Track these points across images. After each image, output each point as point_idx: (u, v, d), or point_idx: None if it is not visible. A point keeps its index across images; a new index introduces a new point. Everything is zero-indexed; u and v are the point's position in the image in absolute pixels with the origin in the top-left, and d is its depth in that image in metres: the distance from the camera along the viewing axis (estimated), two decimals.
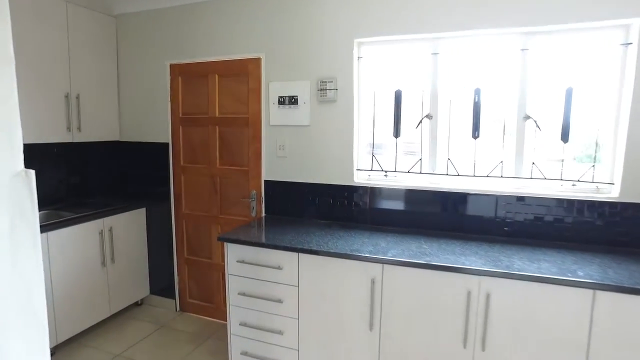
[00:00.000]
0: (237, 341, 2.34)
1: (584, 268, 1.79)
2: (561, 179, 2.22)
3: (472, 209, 2.34)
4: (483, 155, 2.36)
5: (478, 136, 2.34)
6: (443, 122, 2.42)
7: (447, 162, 2.42)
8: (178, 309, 3.26)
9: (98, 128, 3.08)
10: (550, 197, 2.19)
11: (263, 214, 2.84)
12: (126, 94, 3.24)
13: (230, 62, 2.81)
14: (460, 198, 2.35)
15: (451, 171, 2.41)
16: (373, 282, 1.99)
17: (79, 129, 2.89)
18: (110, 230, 2.90)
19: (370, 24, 2.42)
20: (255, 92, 2.76)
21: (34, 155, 2.84)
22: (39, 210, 2.78)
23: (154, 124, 3.15)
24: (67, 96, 2.80)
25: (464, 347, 1.86)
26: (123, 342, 2.79)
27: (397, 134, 2.51)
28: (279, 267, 2.17)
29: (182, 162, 3.09)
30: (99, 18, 3.04)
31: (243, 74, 2.78)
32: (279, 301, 2.19)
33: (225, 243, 2.29)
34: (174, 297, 3.26)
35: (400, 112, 2.49)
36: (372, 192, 2.54)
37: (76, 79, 2.87)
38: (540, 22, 2.10)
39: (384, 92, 2.53)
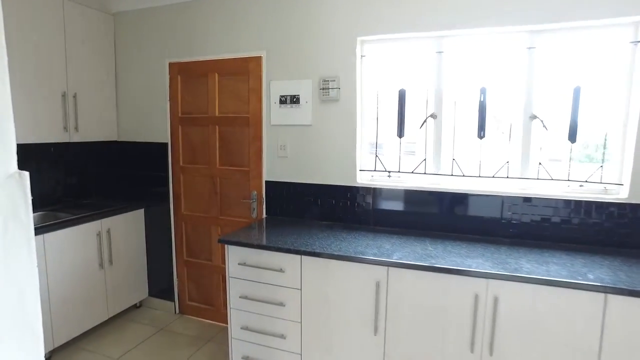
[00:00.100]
0: (238, 345, 2.29)
1: (594, 271, 1.75)
2: (568, 180, 2.18)
3: (477, 210, 2.29)
4: (488, 156, 2.32)
5: (484, 136, 2.30)
6: (448, 121, 2.38)
7: (452, 162, 2.38)
8: (177, 311, 3.21)
9: (96, 128, 3.03)
10: (557, 198, 2.15)
11: (264, 215, 2.79)
12: (124, 93, 3.19)
13: (231, 60, 2.76)
14: (465, 199, 2.31)
15: (456, 172, 2.37)
16: (378, 285, 1.94)
17: (76, 128, 2.84)
18: (108, 231, 2.85)
19: (373, 21, 2.37)
20: (256, 91, 2.71)
21: (30, 155, 2.79)
22: (35, 212, 2.76)
23: (153, 124, 3.09)
24: (64, 95, 2.75)
25: (471, 351, 1.82)
26: (121, 345, 2.74)
27: (400, 133, 2.47)
28: (281, 269, 2.12)
29: (181, 163, 3.04)
30: (97, 15, 2.98)
31: (244, 73, 2.74)
32: (281, 304, 2.15)
33: (226, 245, 2.24)
34: (173, 300, 3.21)
35: (404, 111, 2.44)
36: (375, 193, 2.50)
37: (73, 78, 2.81)
38: (547, 19, 2.06)
39: (387, 92, 2.49)
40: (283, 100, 2.62)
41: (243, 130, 2.79)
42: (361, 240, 2.21)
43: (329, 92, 2.49)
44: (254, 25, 2.68)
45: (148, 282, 3.26)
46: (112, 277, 2.92)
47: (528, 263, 1.85)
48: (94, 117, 3.01)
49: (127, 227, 3.03)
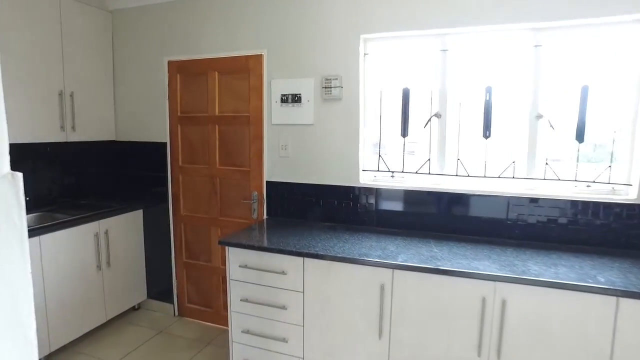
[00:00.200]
0: (239, 349, 2.24)
1: (604, 273, 1.71)
2: (575, 180, 2.14)
3: (482, 211, 2.26)
4: (494, 156, 2.28)
5: (489, 136, 2.26)
6: (452, 121, 2.34)
7: (456, 162, 2.34)
8: (176, 313, 3.16)
9: (93, 127, 2.98)
10: (564, 198, 2.11)
11: (265, 216, 2.75)
12: (122, 92, 3.14)
13: (231, 58, 2.71)
14: (470, 200, 2.27)
15: (461, 172, 2.33)
16: (382, 288, 1.90)
17: (73, 128, 2.79)
18: (106, 232, 2.80)
19: (376, 19, 2.33)
20: (256, 90, 2.66)
21: (26, 155, 2.74)
22: (32, 213, 2.70)
23: (152, 123, 3.04)
24: (60, 94, 2.69)
25: (478, 355, 1.78)
26: (119, 348, 2.69)
27: (404, 133, 2.43)
28: (283, 272, 2.08)
29: (180, 163, 2.99)
30: (94, 13, 2.93)
31: (244, 71, 2.69)
32: (283, 307, 2.10)
33: (226, 247, 2.19)
34: (172, 302, 3.16)
35: (408, 110, 2.40)
36: (378, 194, 2.45)
37: (70, 76, 2.76)
38: (554, 17, 2.02)
39: (390, 90, 2.44)
40: (284, 99, 2.58)
41: (243, 129, 2.74)
42: (364, 242, 2.16)
43: (331, 90, 2.45)
44: (254, 22, 2.63)
45: (147, 284, 3.20)
46: (110, 279, 2.86)
47: (536, 265, 1.82)
48: (92, 116, 2.95)
49: (126, 228, 2.98)
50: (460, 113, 2.32)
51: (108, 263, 2.83)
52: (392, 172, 2.48)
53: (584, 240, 2.09)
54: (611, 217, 2.04)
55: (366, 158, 2.53)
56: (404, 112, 2.41)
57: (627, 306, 1.55)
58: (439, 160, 2.38)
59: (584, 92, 2.06)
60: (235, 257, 2.18)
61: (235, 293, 2.21)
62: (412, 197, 2.38)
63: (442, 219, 2.33)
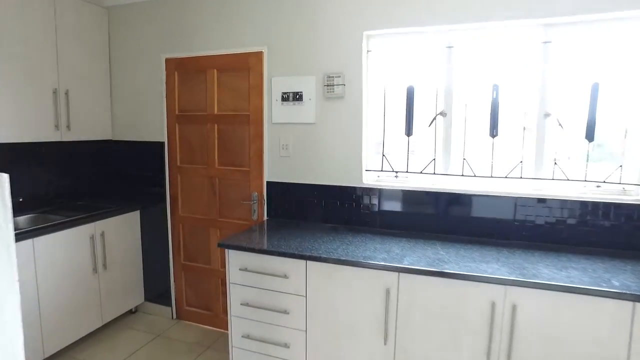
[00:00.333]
0: (239, 354, 2.18)
1: (618, 276, 1.65)
2: (585, 180, 2.08)
3: (489, 212, 2.20)
4: (501, 155, 2.22)
5: (496, 135, 2.20)
6: (458, 120, 2.28)
7: (462, 162, 2.28)
8: (174, 316, 3.09)
9: (89, 126, 2.90)
10: (573, 199, 2.05)
11: (265, 218, 2.68)
12: (119, 90, 3.07)
13: (230, 56, 2.65)
14: (477, 200, 2.21)
15: (467, 172, 2.27)
16: (388, 292, 1.84)
17: (68, 127, 2.71)
18: (102, 234, 2.73)
19: (380, 15, 2.27)
20: (256, 88, 2.60)
21: (19, 155, 2.67)
22: (25, 215, 2.63)
23: (149, 122, 2.97)
24: (55, 92, 2.62)
25: None
26: (116, 353, 2.62)
27: (409, 132, 2.37)
28: (285, 275, 2.02)
29: (178, 162, 2.92)
30: (89, 9, 2.86)
31: (244, 69, 2.62)
32: (285, 312, 2.04)
33: (226, 250, 2.13)
34: (170, 305, 3.09)
35: (413, 109, 2.34)
36: (382, 194, 2.39)
37: (65, 74, 2.69)
38: (563, 12, 1.96)
39: (395, 88, 2.38)
40: (285, 98, 2.51)
41: (243, 128, 2.68)
42: (369, 244, 2.10)
43: (333, 88, 2.39)
44: (254, 19, 2.56)
45: (144, 287, 3.14)
46: (107, 282, 2.79)
47: (546, 268, 1.76)
48: (87, 115, 2.88)
49: (122, 230, 2.91)
50: (466, 111, 2.26)
51: (104, 266, 2.76)
52: (396, 172, 2.42)
53: (594, 242, 2.03)
54: (622, 218, 1.98)
55: (369, 158, 2.47)
56: (409, 111, 2.35)
57: None
58: (444, 160, 2.32)
59: (594, 89, 2.00)
60: (235, 260, 2.12)
61: (235, 297, 2.15)
62: (417, 198, 2.32)
63: (447, 220, 2.27)
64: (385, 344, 1.87)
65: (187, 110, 2.84)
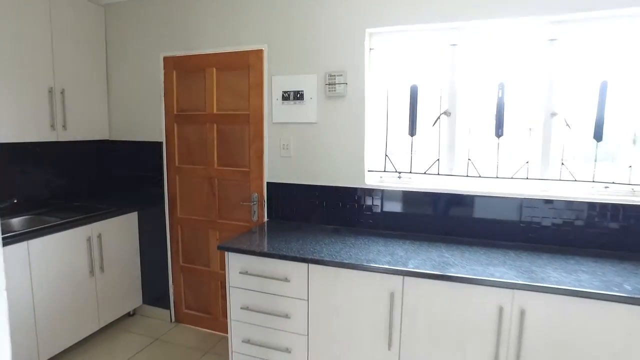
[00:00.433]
0: (239, 359, 2.13)
1: (629, 280, 1.61)
2: (593, 181, 2.04)
3: (494, 214, 2.15)
4: (507, 155, 2.17)
5: (502, 134, 2.15)
6: (462, 119, 2.23)
7: (467, 162, 2.23)
8: (173, 319, 3.04)
9: (85, 126, 2.85)
10: (580, 200, 2.01)
11: (265, 219, 2.63)
12: (116, 89, 3.01)
13: (230, 54, 2.59)
14: (482, 201, 2.16)
15: (471, 172, 2.23)
16: (392, 296, 1.79)
17: (64, 127, 2.66)
18: (99, 236, 2.67)
19: (382, 12, 2.22)
20: (257, 87, 2.55)
21: (14, 156, 2.61)
22: (20, 216, 2.56)
23: (147, 122, 2.92)
24: (50, 91, 2.56)
25: None
26: (114, 357, 2.57)
27: (412, 132, 2.32)
28: (286, 279, 1.97)
29: (177, 163, 2.87)
30: (86, 6, 2.80)
31: (243, 67, 2.57)
32: (286, 316, 1.99)
33: (225, 252, 2.08)
34: (168, 308, 3.04)
35: (416, 108, 2.29)
36: (385, 195, 2.34)
37: (61, 73, 2.63)
38: (570, 9, 1.91)
39: (397, 87, 2.33)
40: (286, 97, 2.46)
41: (243, 128, 2.63)
42: (372, 246, 2.05)
43: (335, 87, 2.34)
44: (254, 16, 2.51)
45: (142, 289, 3.08)
46: (104, 284, 2.74)
47: (555, 271, 1.71)
48: (84, 115, 2.83)
49: (120, 232, 2.85)
50: (471, 111, 2.21)
51: (101, 268, 2.71)
52: (399, 172, 2.37)
53: (602, 244, 1.99)
54: (631, 220, 1.94)
55: (371, 158, 2.42)
56: (412, 110, 2.30)
57: None
58: (449, 160, 2.28)
59: (603, 88, 1.95)
60: (235, 263, 2.07)
61: (235, 301, 2.10)
62: (420, 199, 2.28)
63: (452, 222, 2.23)
64: (389, 349, 1.83)
65: (186, 109, 2.79)
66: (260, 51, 2.51)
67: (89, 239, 2.60)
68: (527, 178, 2.14)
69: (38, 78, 2.49)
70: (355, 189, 2.39)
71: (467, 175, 2.23)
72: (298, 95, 2.43)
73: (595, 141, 2.02)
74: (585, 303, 1.53)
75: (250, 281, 2.05)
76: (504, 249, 2.03)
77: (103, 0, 2.91)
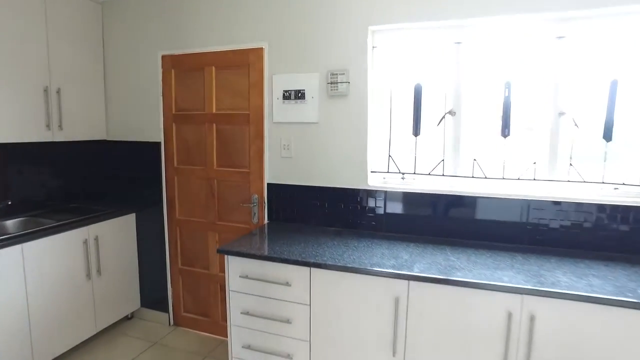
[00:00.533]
0: None
1: None
2: (602, 182, 1.99)
3: (501, 215, 2.10)
4: (513, 156, 2.12)
5: (508, 134, 2.10)
6: (468, 119, 2.18)
7: (472, 163, 2.18)
8: (172, 323, 2.99)
9: (82, 126, 2.79)
10: (589, 202, 1.96)
11: (266, 221, 2.58)
12: (113, 88, 2.96)
13: (229, 52, 2.54)
14: (488, 203, 2.11)
15: (477, 173, 2.17)
16: (397, 301, 1.74)
17: (60, 126, 2.60)
18: (96, 239, 2.62)
19: (385, 9, 2.17)
20: (257, 86, 2.49)
21: (9, 156, 2.56)
22: (15, 218, 2.50)
23: (145, 122, 2.86)
24: (46, 90, 2.51)
25: None
26: None
27: (416, 132, 2.27)
28: (287, 283, 1.91)
29: (175, 164, 2.81)
30: (82, 4, 2.74)
31: (243, 66, 2.52)
32: (288, 321, 1.94)
33: (225, 256, 2.02)
34: (167, 311, 2.98)
35: (420, 108, 2.24)
36: (388, 197, 2.29)
37: (56, 72, 2.57)
38: (578, 5, 1.86)
39: (401, 86, 2.28)
40: (287, 96, 2.41)
41: (243, 128, 2.57)
42: (375, 250, 2.00)
43: (337, 86, 2.28)
44: (254, 14, 2.46)
45: (140, 292, 3.03)
46: (101, 288, 2.69)
47: (564, 276, 1.66)
48: (80, 115, 2.77)
49: (117, 234, 2.80)
50: (477, 110, 2.16)
51: (98, 271, 2.65)
52: (403, 173, 2.32)
53: (612, 247, 1.94)
54: None
55: (375, 158, 2.37)
56: (416, 110, 2.25)
57: None
58: (454, 161, 2.22)
59: (613, 87, 1.90)
60: (235, 267, 2.02)
61: (235, 305, 2.04)
62: (425, 200, 2.22)
63: (457, 224, 2.18)
64: (394, 355, 1.77)
65: (185, 109, 2.73)
66: (260, 49, 2.46)
67: (85, 242, 2.54)
68: (534, 179, 2.09)
69: (33, 77, 2.44)
70: (358, 190, 2.34)
71: (473, 176, 2.18)
72: (299, 95, 2.38)
73: (604, 141, 1.96)
74: (598, 309, 1.48)
75: (250, 285, 1.99)
76: (510, 251, 1.97)
77: None
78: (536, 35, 2.01)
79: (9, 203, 2.52)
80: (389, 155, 2.35)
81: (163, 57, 2.74)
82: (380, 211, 2.31)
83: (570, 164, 2.03)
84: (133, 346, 2.70)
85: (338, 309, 1.85)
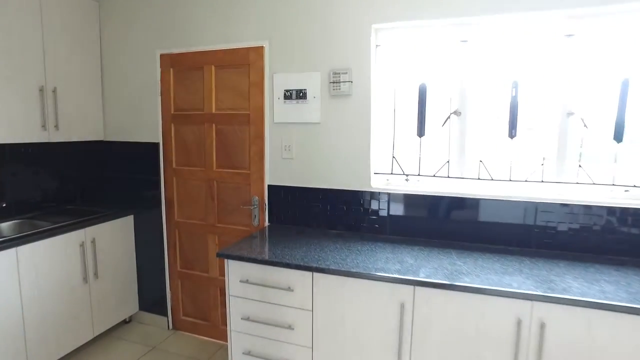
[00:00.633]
0: None
1: None
2: (613, 184, 1.94)
3: (507, 218, 2.05)
4: (520, 157, 2.07)
5: (515, 135, 2.05)
6: (473, 119, 2.13)
7: (478, 164, 2.13)
8: (170, 326, 2.93)
9: (79, 126, 2.73)
10: (598, 204, 1.91)
11: (266, 223, 2.52)
12: (111, 88, 2.90)
13: (229, 51, 2.49)
14: (494, 205, 2.06)
15: (483, 175, 2.12)
16: (402, 306, 1.69)
17: (56, 127, 2.55)
18: (93, 241, 2.56)
19: (389, 7, 2.11)
20: (257, 86, 2.44)
21: (4, 157, 2.50)
22: (10, 221, 2.44)
23: (143, 122, 2.81)
24: (41, 90, 2.45)
25: None
26: None
27: (421, 132, 2.21)
28: (289, 288, 1.86)
29: (174, 165, 2.76)
30: (79, 1, 2.69)
31: (243, 65, 2.46)
32: (289, 327, 1.89)
33: (225, 260, 1.97)
34: (165, 314, 2.93)
35: (425, 108, 2.19)
36: (392, 199, 2.24)
37: (52, 71, 2.52)
38: (589, 2, 1.81)
39: (405, 85, 2.23)
40: (288, 95, 2.36)
41: (243, 128, 2.52)
42: (379, 253, 1.95)
43: (339, 86, 2.23)
44: (255, 11, 2.40)
45: (138, 296, 2.98)
46: (98, 291, 2.63)
47: (575, 281, 1.61)
48: (77, 115, 2.71)
49: (115, 236, 2.74)
50: (483, 110, 2.11)
51: (96, 274, 2.60)
52: (407, 175, 2.26)
53: (623, 251, 1.89)
54: None
55: (378, 160, 2.32)
56: (421, 110, 2.19)
57: None
58: (459, 162, 2.17)
59: (624, 86, 1.85)
60: (235, 271, 1.96)
61: (235, 310, 1.99)
62: (429, 203, 2.17)
63: (463, 227, 2.12)
64: None
65: (184, 109, 2.68)
66: (261, 48, 2.40)
67: (82, 244, 2.49)
68: (542, 181, 2.04)
69: (28, 76, 2.38)
70: (361, 192, 2.29)
71: (479, 178, 2.13)
72: (301, 94, 2.33)
73: (615, 142, 1.91)
74: (612, 317, 1.43)
75: (251, 290, 1.94)
76: (518, 255, 1.93)
77: None
78: (544, 33, 1.96)
79: (4, 205, 2.47)
80: (393, 157, 2.29)
81: (161, 55, 2.69)
82: (384, 213, 2.26)
83: (580, 166, 1.98)
84: (131, 351, 2.65)
85: (341, 315, 1.79)
